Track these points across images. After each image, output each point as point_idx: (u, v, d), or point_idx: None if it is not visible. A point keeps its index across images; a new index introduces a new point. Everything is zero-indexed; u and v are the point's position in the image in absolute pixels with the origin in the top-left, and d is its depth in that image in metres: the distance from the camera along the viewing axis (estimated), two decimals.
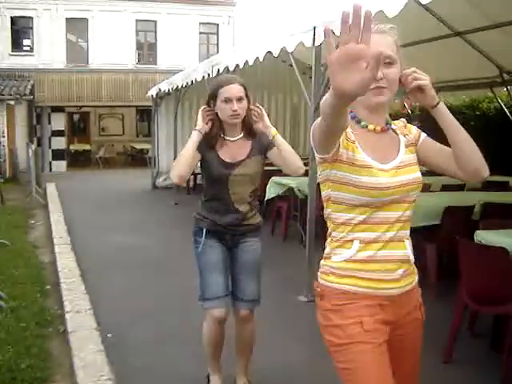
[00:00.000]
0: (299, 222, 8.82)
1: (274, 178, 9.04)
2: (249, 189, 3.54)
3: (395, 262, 2.11)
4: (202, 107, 3.49)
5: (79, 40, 26.89)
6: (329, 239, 2.20)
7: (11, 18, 24.95)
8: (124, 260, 7.81)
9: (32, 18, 25.25)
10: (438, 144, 2.25)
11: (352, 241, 2.10)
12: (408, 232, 2.19)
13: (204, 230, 3.52)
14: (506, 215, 5.43)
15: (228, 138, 3.51)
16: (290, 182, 8.69)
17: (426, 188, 6.71)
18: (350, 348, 2.09)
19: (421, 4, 4.57)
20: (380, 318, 2.11)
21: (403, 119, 2.31)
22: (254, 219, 3.60)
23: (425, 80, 2.09)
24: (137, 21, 27.19)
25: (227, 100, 3.35)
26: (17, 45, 25.39)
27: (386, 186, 2.05)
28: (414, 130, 2.27)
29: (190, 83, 11.67)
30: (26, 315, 5.28)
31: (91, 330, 4.91)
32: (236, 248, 3.60)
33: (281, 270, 7.20)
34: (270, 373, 4.23)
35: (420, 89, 2.10)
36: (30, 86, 21.81)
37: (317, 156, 2.09)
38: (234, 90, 3.37)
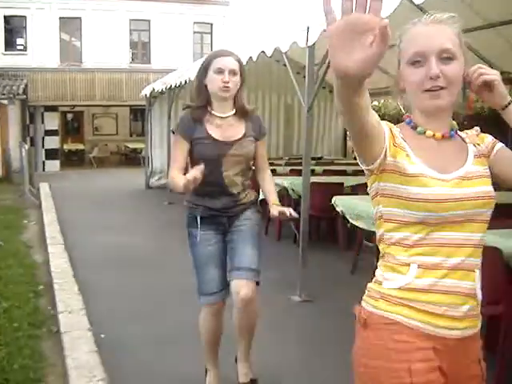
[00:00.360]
0: (293, 221, 8.82)
1: None
2: (242, 169, 3.41)
3: (461, 296, 1.71)
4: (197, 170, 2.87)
5: (72, 39, 26.81)
6: (380, 261, 1.85)
7: (4, 17, 24.88)
8: (117, 260, 7.79)
9: (25, 17, 25.18)
10: None
11: (408, 265, 1.72)
12: (480, 261, 1.77)
13: (198, 218, 3.34)
14: (499, 215, 5.42)
15: (218, 115, 3.34)
16: (284, 181, 8.70)
17: None
18: None
19: (415, 4, 4.56)
20: (435, 366, 1.70)
21: (477, 127, 1.96)
22: (247, 198, 3.49)
23: (493, 75, 1.76)
24: (130, 20, 27.14)
25: (220, 70, 3.21)
26: (10, 44, 25.31)
27: (444, 198, 1.68)
28: (488, 139, 1.90)
29: (183, 83, 11.65)
30: (18, 315, 5.27)
31: (84, 330, 4.89)
32: (232, 226, 3.45)
33: (274, 270, 7.18)
34: (261, 373, 4.22)
35: (487, 86, 1.78)
36: (23, 86, 21.76)
37: (363, 168, 1.77)
38: (229, 61, 3.24)
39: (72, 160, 26.84)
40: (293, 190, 8.37)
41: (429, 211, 1.67)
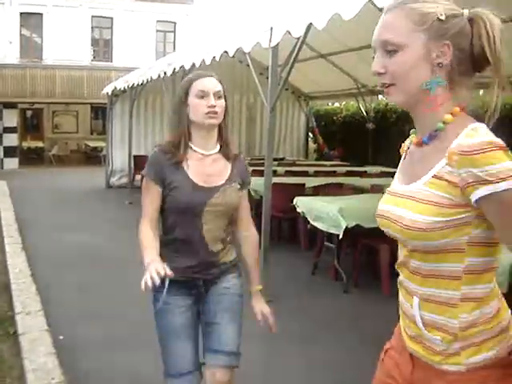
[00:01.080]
0: (254, 222, 8.81)
1: None
2: (225, 223, 2.75)
3: (406, 315, 1.68)
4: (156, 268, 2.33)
5: (33, 35, 26.41)
6: None
7: None
8: (76, 259, 7.69)
9: None
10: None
11: None
12: (426, 290, 1.58)
13: (166, 281, 2.42)
14: None
15: (199, 151, 2.70)
16: None
17: None
18: None
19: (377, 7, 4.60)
20: (386, 348, 1.83)
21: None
22: (228, 256, 2.80)
23: None
24: (92, 17, 26.84)
25: (202, 94, 2.63)
26: None
27: (377, 211, 1.67)
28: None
29: (145, 81, 11.58)
30: None
31: (42, 331, 4.82)
32: (209, 294, 2.77)
33: None
34: None
35: None
36: None
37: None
38: (211, 82, 2.69)
39: (31, 158, 26.39)
40: (255, 190, 8.37)
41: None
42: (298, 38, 5.46)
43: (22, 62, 25.10)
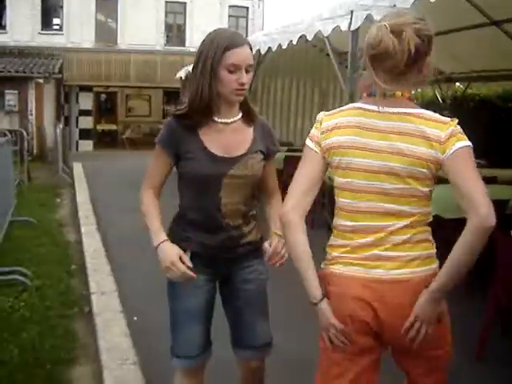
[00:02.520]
0: (327, 210, 8.70)
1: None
2: (246, 196, 2.55)
3: None
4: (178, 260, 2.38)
5: (108, 20, 26.87)
6: None
7: None
8: (149, 242, 7.73)
9: None
10: None
11: None
12: None
13: (188, 255, 2.43)
14: None
15: (220, 120, 2.48)
16: None
17: None
18: None
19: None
20: None
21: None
22: (253, 235, 2.60)
23: None
24: (166, 2, 27.09)
25: (235, 68, 2.34)
26: (46, 24, 25.41)
27: None
28: None
29: None
30: (50, 294, 5.28)
31: (117, 312, 4.87)
32: (234, 278, 2.62)
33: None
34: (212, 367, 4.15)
35: None
36: (58, 65, 21.92)
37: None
38: (245, 54, 2.37)
39: (105, 140, 26.96)
40: (328, 177, 8.24)
41: None
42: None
43: (96, 47, 25.59)
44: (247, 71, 2.38)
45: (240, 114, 2.52)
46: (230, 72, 2.34)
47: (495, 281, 4.12)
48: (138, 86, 27.12)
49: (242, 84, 2.36)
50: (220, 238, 2.50)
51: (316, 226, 8.96)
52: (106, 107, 29.88)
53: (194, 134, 2.45)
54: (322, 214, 8.92)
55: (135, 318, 4.78)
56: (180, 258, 2.38)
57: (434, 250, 2.09)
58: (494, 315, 4.22)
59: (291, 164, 9.85)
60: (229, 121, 2.48)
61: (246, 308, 2.62)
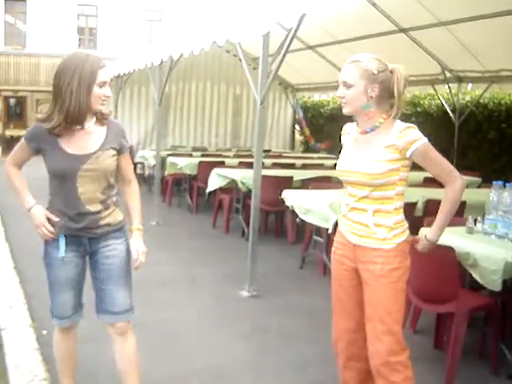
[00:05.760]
0: (241, 214, 8.75)
1: (217, 170, 8.96)
2: (101, 186, 3.03)
3: None
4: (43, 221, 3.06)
5: (18, 22, 26.07)
6: None
7: None
8: None
9: None
10: None
11: None
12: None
13: (61, 243, 3.07)
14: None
15: (76, 127, 2.92)
16: (233, 174, 8.62)
17: None
18: None
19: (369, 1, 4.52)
20: None
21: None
22: (112, 217, 3.09)
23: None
24: (78, 5, 26.56)
25: (103, 84, 2.86)
26: None
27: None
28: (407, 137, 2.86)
29: (132, 71, 11.42)
30: None
31: (25, 326, 4.71)
32: (96, 255, 3.12)
33: (221, 264, 7.12)
34: (207, 368, 4.14)
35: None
36: None
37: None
38: (108, 72, 2.93)
39: (14, 146, 26.02)
40: (242, 183, 8.29)
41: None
42: (290, 29, 5.36)
43: (5, 49, 24.78)
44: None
45: (93, 119, 2.99)
46: (100, 87, 2.85)
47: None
48: (48, 90, 26.32)
49: (107, 96, 2.91)
50: (80, 220, 3.00)
51: (230, 231, 9.05)
52: (15, 112, 28.94)
53: (53, 136, 2.91)
54: (236, 219, 8.98)
55: (45, 332, 4.62)
56: (48, 220, 3.04)
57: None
58: (406, 315, 4.33)
59: (205, 169, 9.86)
60: (86, 126, 2.95)
61: (107, 280, 3.11)
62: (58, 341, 3.33)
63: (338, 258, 3.12)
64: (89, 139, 2.96)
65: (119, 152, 3.09)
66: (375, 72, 2.79)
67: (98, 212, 3.03)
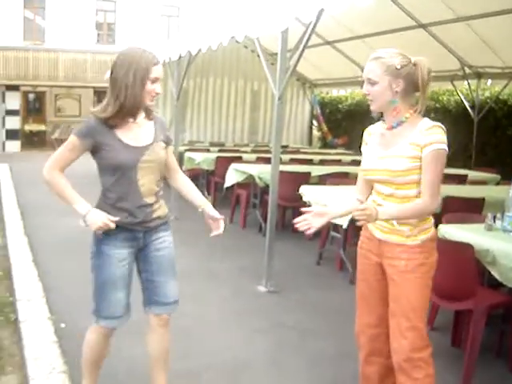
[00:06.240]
0: (259, 210, 8.76)
1: (234, 165, 8.96)
2: (156, 178, 3.13)
3: None
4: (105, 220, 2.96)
5: (37, 17, 26.22)
6: None
7: None
8: (80, 246, 7.58)
9: None
10: None
11: None
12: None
13: (116, 238, 3.07)
14: (465, 209, 5.44)
15: (130, 120, 3.04)
16: (251, 169, 8.62)
17: None
18: None
19: None
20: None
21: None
22: (161, 210, 3.19)
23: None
24: (96, 0, 26.66)
25: (156, 80, 2.95)
26: None
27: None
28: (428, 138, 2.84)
29: None
30: None
31: (44, 319, 4.74)
32: (148, 247, 3.17)
33: (239, 259, 7.13)
34: (224, 363, 4.15)
35: None
36: None
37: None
38: (161, 69, 3.02)
39: (33, 141, 26.29)
40: (260, 178, 8.29)
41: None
42: (309, 24, 5.34)
43: (24, 45, 24.93)
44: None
45: (143, 114, 3.08)
46: (153, 82, 2.93)
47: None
48: (67, 85, 26.55)
49: (158, 93, 2.98)
50: (140, 215, 3.05)
51: (247, 226, 9.05)
52: (34, 107, 29.11)
53: (111, 130, 2.97)
54: (253, 214, 8.98)
55: (63, 325, 4.67)
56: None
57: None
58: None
59: (222, 164, 9.87)
60: (135, 120, 3.04)
61: (158, 272, 3.18)
62: (96, 343, 3.28)
63: (364, 252, 3.15)
64: (142, 132, 3.06)
65: (166, 144, 3.19)
66: (398, 67, 2.81)
67: (152, 204, 3.11)
